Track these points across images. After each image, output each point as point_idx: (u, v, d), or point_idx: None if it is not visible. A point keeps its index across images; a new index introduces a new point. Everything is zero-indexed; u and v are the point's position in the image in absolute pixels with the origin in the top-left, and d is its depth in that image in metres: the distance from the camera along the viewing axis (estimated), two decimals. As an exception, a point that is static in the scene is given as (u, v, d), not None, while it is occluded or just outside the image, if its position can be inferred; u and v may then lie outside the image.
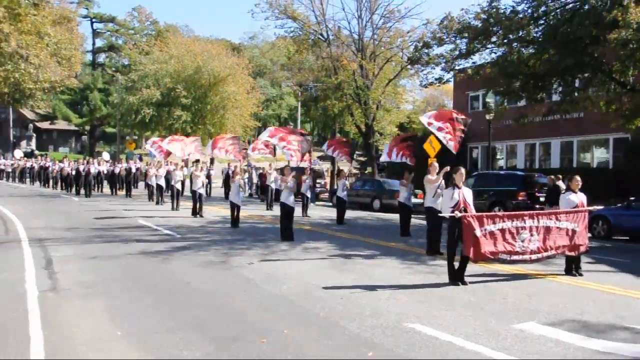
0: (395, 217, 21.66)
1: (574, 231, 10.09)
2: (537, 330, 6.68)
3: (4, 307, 7.30)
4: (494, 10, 20.50)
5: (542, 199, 20.23)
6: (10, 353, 5.60)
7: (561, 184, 17.09)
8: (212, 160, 57.06)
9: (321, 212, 23.54)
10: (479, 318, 7.16)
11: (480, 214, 9.61)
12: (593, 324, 7.03)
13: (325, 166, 47.59)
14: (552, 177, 19.07)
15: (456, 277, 9.23)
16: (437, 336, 6.32)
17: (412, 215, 16.79)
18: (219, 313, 7.23)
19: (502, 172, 27.11)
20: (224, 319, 6.92)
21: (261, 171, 32.46)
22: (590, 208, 10.91)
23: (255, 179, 33.60)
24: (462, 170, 9.71)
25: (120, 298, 7.95)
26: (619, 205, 17.67)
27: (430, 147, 25.68)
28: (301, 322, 6.85)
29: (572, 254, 10.22)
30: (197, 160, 22.55)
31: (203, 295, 8.30)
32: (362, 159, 45.99)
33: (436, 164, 13.06)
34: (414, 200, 17.16)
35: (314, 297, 8.15)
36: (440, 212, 10.63)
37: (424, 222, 17.46)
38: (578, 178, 10.64)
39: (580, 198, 10.52)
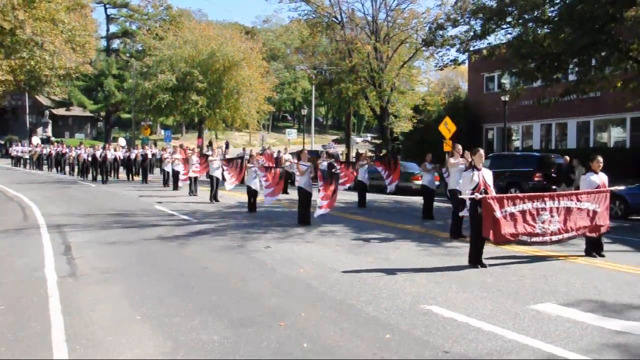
0: (411, 199, 21.71)
1: (595, 212, 9.98)
2: (554, 310, 6.67)
3: (25, 293, 7.41)
4: (509, -11, 20.20)
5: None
6: (32, 337, 5.69)
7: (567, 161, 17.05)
8: (227, 145, 57.19)
9: (337, 196, 23.42)
10: (496, 299, 7.16)
11: (500, 195, 9.55)
12: (610, 304, 7.00)
13: (340, 149, 47.47)
14: (567, 157, 19.00)
15: (475, 259, 9.21)
16: (454, 318, 6.33)
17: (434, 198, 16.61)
18: (236, 297, 7.28)
19: (517, 153, 26.91)
20: (242, 303, 6.98)
21: (275, 156, 32.44)
22: (612, 188, 10.76)
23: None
24: (482, 151, 9.61)
25: (138, 283, 8.03)
26: (637, 185, 17.48)
27: (446, 129, 25.60)
28: (318, 305, 6.88)
29: (593, 235, 10.11)
30: (210, 144, 22.54)
31: (220, 279, 8.36)
32: (377, 141, 45.84)
33: (460, 147, 12.94)
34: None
35: (331, 280, 8.18)
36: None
37: (444, 205, 17.37)
38: (600, 158, 10.36)
39: (601, 179, 10.34)
